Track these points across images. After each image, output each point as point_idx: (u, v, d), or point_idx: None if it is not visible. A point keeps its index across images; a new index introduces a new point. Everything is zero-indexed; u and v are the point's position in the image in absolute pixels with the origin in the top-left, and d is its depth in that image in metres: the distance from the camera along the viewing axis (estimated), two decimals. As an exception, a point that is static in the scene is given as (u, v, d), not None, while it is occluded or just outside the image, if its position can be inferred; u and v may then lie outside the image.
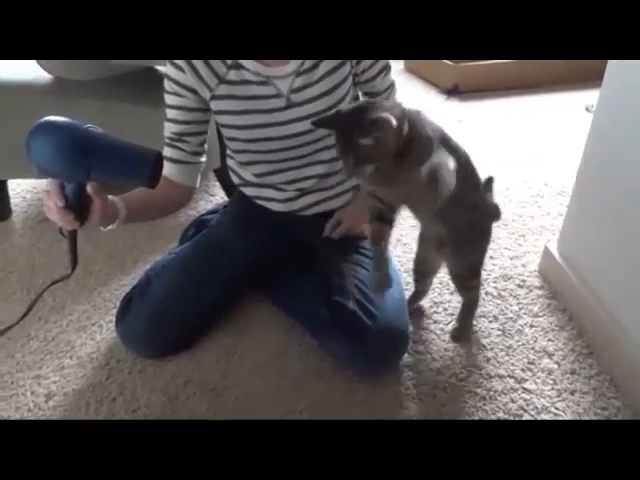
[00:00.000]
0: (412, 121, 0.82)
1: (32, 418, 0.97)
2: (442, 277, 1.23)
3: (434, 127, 0.87)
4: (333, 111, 0.84)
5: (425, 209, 0.94)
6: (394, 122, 0.77)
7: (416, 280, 1.17)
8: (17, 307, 1.23)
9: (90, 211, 0.81)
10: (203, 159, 1.08)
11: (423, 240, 1.10)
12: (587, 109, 2.22)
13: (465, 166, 0.92)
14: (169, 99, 1.01)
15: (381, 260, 0.94)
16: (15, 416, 0.98)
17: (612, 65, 1.02)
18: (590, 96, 2.05)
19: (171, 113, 1.01)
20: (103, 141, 0.76)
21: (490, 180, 1.07)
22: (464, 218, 0.96)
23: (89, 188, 0.79)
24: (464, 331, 1.11)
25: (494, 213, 1.06)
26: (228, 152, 1.15)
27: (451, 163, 0.86)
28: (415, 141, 0.82)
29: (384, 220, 0.91)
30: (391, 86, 1.12)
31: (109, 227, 0.89)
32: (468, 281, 1.06)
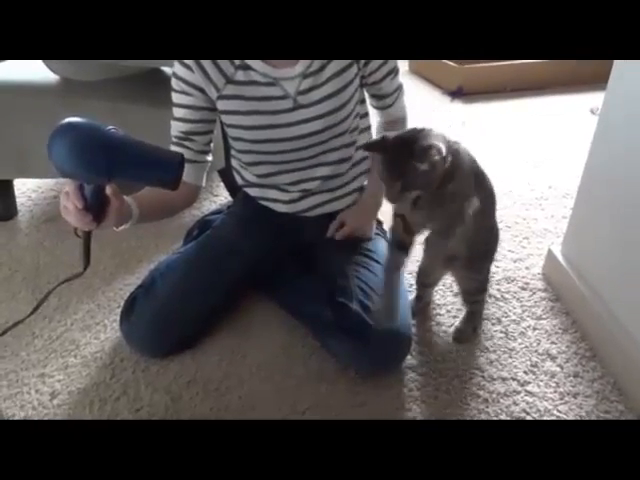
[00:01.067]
0: (453, 151, 0.84)
1: (36, 416, 0.98)
2: (445, 279, 1.23)
3: (470, 156, 0.90)
4: (379, 136, 0.86)
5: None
6: (444, 150, 0.80)
7: (417, 289, 1.19)
8: (22, 306, 1.24)
9: (107, 212, 0.81)
10: (209, 158, 1.09)
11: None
12: (592, 112, 2.21)
13: (491, 192, 0.98)
14: (177, 98, 1.01)
15: (392, 288, 0.95)
16: (20, 414, 0.98)
17: (617, 68, 1.02)
18: (595, 99, 2.04)
19: (179, 112, 1.02)
20: (126, 144, 0.75)
21: None
22: (484, 239, 1.02)
23: (108, 189, 0.79)
24: (465, 333, 1.12)
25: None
26: (233, 152, 1.15)
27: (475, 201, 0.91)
28: (457, 172, 0.84)
29: (403, 249, 0.93)
30: (399, 89, 1.12)
31: (121, 227, 0.90)
32: (475, 296, 1.10)
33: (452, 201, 0.87)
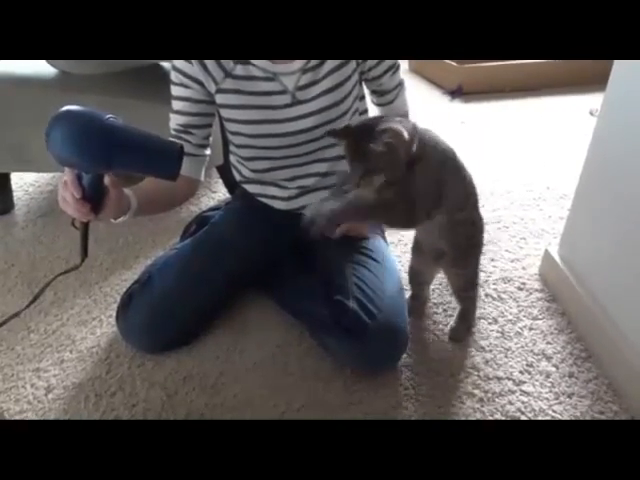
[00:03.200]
0: (422, 138, 0.84)
1: (31, 410, 0.98)
2: (442, 278, 1.23)
3: (444, 145, 0.89)
4: (343, 125, 0.85)
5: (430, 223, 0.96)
6: (405, 133, 0.79)
7: (412, 288, 1.19)
8: (18, 300, 1.24)
9: (105, 203, 0.81)
10: (208, 152, 1.08)
11: (418, 252, 1.12)
12: (591, 113, 2.22)
13: (469, 184, 0.97)
14: (176, 90, 1.01)
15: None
16: (15, 408, 0.98)
17: (617, 69, 1.02)
18: (594, 100, 2.05)
19: (177, 105, 1.02)
20: (125, 132, 0.74)
21: None
22: (464, 233, 1.00)
23: (107, 180, 0.79)
24: (460, 332, 1.12)
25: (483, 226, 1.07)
26: (231, 148, 1.15)
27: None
28: (424, 157, 0.83)
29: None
30: (400, 85, 1.12)
31: (119, 219, 0.89)
32: (466, 292, 1.10)
33: (417, 189, 0.86)
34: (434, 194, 0.89)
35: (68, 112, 0.73)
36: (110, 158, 0.74)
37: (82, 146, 0.72)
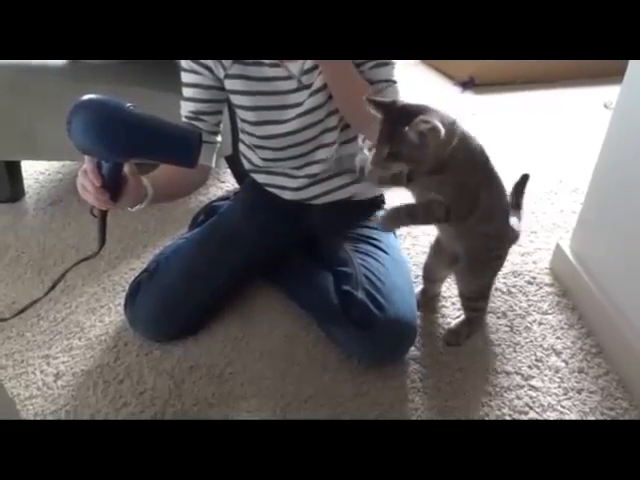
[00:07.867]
0: (460, 139, 0.81)
1: (41, 397, 0.99)
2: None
3: (481, 151, 0.86)
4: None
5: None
6: (442, 132, 0.76)
7: (424, 283, 1.17)
8: (29, 287, 1.25)
9: (124, 191, 0.81)
10: (219, 138, 1.09)
11: (436, 252, 1.10)
12: (605, 106, 2.18)
13: (501, 197, 0.94)
14: (186, 77, 1.01)
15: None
16: (24, 394, 0.99)
17: (634, 62, 1.00)
18: (609, 92, 2.01)
19: (188, 92, 1.02)
20: (146, 121, 0.74)
21: (525, 178, 1.08)
22: (485, 245, 0.97)
23: (126, 168, 0.79)
24: (458, 337, 1.08)
25: (513, 239, 1.04)
26: (241, 136, 1.15)
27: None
28: (456, 159, 0.81)
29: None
30: (387, 82, 1.00)
31: (136, 207, 0.90)
32: (474, 302, 1.06)
33: (445, 190, 0.84)
34: (468, 199, 0.86)
35: (89, 101, 0.72)
36: (131, 147, 0.74)
37: (103, 135, 0.72)
